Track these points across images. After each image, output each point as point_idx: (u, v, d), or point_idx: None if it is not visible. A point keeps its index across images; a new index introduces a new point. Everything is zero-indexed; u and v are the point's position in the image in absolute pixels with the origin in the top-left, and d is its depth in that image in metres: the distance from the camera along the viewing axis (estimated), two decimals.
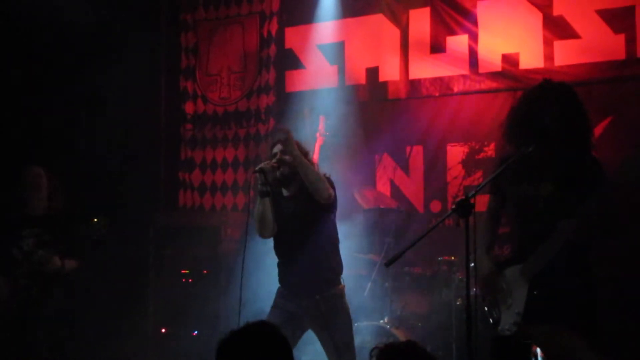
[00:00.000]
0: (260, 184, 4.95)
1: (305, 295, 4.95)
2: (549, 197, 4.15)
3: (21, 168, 6.14)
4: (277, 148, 5.08)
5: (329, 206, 5.01)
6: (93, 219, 5.86)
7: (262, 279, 5.89)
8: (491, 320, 4.32)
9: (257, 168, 4.98)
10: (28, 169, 6.11)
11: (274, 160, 5.02)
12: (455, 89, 7.22)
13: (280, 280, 5.15)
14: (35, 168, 6.10)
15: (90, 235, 5.87)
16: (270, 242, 5.21)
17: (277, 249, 5.16)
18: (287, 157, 4.92)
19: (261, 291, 5.82)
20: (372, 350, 2.91)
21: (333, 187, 5.05)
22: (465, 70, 7.16)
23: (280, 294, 5.13)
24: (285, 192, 5.13)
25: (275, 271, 5.21)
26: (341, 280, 5.10)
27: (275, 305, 5.10)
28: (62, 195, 6.16)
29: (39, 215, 6.03)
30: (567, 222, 3.99)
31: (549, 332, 4.07)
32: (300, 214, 4.99)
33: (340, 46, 7.83)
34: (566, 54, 6.68)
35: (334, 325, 4.94)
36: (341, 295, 5.06)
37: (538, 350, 4.25)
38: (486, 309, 4.35)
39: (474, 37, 7.11)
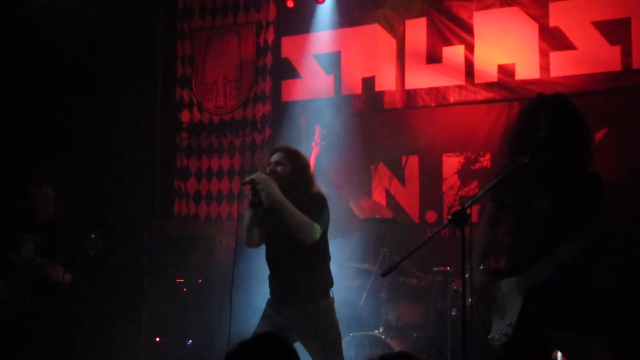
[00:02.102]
0: (251, 195, 4.91)
1: (293, 307, 4.90)
2: (549, 212, 4.15)
3: (30, 182, 6.18)
4: (275, 157, 5.06)
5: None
6: (91, 235, 5.88)
7: (256, 288, 5.90)
8: (480, 328, 4.32)
9: (247, 179, 4.92)
10: (37, 188, 6.11)
11: (267, 171, 5.01)
12: (451, 99, 7.23)
13: (271, 291, 5.12)
14: (44, 188, 6.11)
15: (87, 250, 5.89)
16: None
17: (267, 259, 5.13)
18: (264, 198, 4.84)
19: (253, 301, 5.83)
20: None
21: (326, 206, 5.00)
22: (461, 81, 7.17)
23: (269, 304, 5.10)
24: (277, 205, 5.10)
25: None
26: (330, 293, 5.07)
27: (264, 316, 5.07)
28: (67, 210, 6.20)
29: (41, 222, 6.05)
30: (568, 244, 3.99)
31: (568, 337, 4.07)
32: (283, 227, 4.90)
33: (337, 56, 7.84)
34: (562, 65, 6.70)
35: (324, 336, 4.90)
36: (330, 307, 5.01)
37: (559, 355, 4.25)
38: (476, 316, 4.35)
39: (470, 48, 7.12)
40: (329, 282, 5.05)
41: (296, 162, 5.05)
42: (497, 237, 4.63)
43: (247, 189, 4.98)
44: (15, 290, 5.89)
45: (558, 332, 4.10)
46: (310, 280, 4.91)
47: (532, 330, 4.12)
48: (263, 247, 5.14)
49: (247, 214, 5.02)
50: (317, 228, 4.85)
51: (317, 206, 4.95)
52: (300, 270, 4.89)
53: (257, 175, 4.91)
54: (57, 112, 7.71)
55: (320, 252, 4.98)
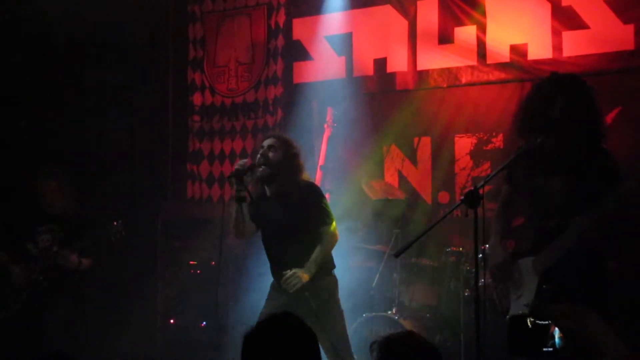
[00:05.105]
0: (236, 189, 4.87)
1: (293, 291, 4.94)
2: (562, 191, 4.15)
3: (39, 175, 6.28)
4: (267, 142, 5.06)
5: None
6: (114, 222, 5.96)
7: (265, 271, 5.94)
8: (500, 309, 4.33)
9: (231, 172, 4.87)
10: (45, 182, 6.20)
11: (258, 155, 4.99)
12: (463, 80, 7.20)
13: (271, 273, 5.16)
14: (52, 183, 6.19)
15: (110, 236, 5.98)
16: None
17: (264, 244, 5.18)
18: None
19: (261, 284, 5.87)
20: (372, 344, 2.90)
21: (324, 196, 5.10)
22: (473, 61, 7.13)
23: (273, 286, 5.15)
24: (267, 192, 5.11)
25: None
26: (331, 273, 5.11)
27: (269, 298, 5.14)
28: (76, 201, 6.35)
29: (55, 212, 6.15)
30: (582, 219, 3.99)
31: (564, 310, 4.08)
32: (280, 214, 4.97)
33: (348, 37, 7.81)
34: (575, 45, 6.65)
35: (324, 314, 4.94)
36: (330, 286, 5.08)
37: (556, 330, 4.26)
38: (496, 297, 4.36)
39: (482, 28, 7.08)
40: (327, 264, 5.08)
41: (288, 149, 5.06)
42: (512, 219, 4.65)
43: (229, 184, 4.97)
44: (32, 276, 5.98)
45: (561, 305, 4.11)
46: (304, 262, 4.94)
47: (547, 308, 4.13)
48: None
49: (232, 208, 4.98)
50: (333, 229, 5.02)
51: (318, 204, 5.04)
52: (295, 254, 4.92)
53: (239, 165, 4.87)
54: (69, 97, 7.75)
55: (315, 236, 5.00)
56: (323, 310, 4.93)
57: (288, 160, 5.02)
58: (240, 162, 4.93)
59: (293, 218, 4.94)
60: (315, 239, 5.01)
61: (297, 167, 5.09)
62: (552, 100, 4.21)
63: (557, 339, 4.31)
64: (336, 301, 5.07)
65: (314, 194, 5.06)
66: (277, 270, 5.04)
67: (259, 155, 4.99)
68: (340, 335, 5.03)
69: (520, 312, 4.17)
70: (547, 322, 4.15)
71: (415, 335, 2.93)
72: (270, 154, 4.97)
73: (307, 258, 4.94)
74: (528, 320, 4.09)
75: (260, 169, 4.95)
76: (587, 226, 4.00)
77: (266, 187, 5.09)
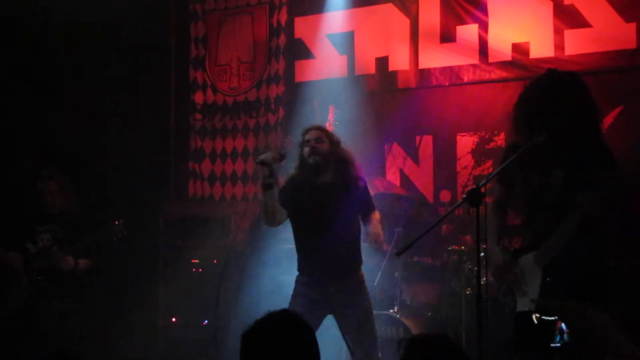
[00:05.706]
0: (263, 177, 4.86)
1: (326, 283, 4.94)
2: (559, 186, 4.15)
3: (37, 174, 6.28)
4: (313, 134, 5.09)
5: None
6: (115, 221, 5.97)
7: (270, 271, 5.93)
8: (507, 309, 4.33)
9: (257, 160, 4.88)
10: (46, 182, 6.20)
11: (307, 150, 5.01)
12: (465, 79, 7.20)
13: (301, 268, 5.11)
14: (52, 183, 6.19)
15: (111, 236, 5.99)
16: (280, 233, 5.21)
17: (300, 236, 5.14)
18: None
19: (266, 283, 5.85)
20: (400, 342, 2.89)
21: (369, 194, 5.19)
22: (475, 60, 7.13)
23: (300, 282, 5.11)
24: (317, 181, 5.10)
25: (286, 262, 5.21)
26: (361, 269, 5.14)
27: (296, 294, 5.07)
28: (76, 202, 6.32)
29: (55, 213, 6.15)
30: (579, 209, 3.99)
31: (568, 305, 4.08)
32: (330, 203, 4.98)
33: (350, 36, 7.81)
34: (577, 43, 6.65)
35: (356, 311, 4.98)
36: (362, 282, 5.12)
37: (563, 325, 4.26)
38: (501, 297, 4.36)
39: (484, 27, 7.08)
40: (360, 258, 5.15)
41: (332, 138, 5.15)
42: (509, 218, 4.64)
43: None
44: (32, 276, 5.99)
45: (567, 301, 4.10)
46: (342, 257, 4.98)
47: (551, 304, 4.13)
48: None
49: (262, 196, 4.98)
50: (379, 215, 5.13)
51: (368, 198, 5.19)
52: (334, 246, 4.93)
53: (265, 156, 4.88)
54: (67, 97, 7.74)
55: (354, 228, 5.09)
56: (353, 302, 5.00)
57: (337, 148, 5.12)
58: (266, 154, 4.95)
59: (339, 202, 4.99)
60: (358, 233, 5.10)
61: (347, 152, 5.19)
62: (551, 97, 4.20)
63: (564, 335, 4.31)
64: (366, 294, 5.15)
65: (365, 187, 5.16)
66: (310, 260, 5.03)
67: (307, 151, 5.03)
68: (370, 327, 5.13)
69: (527, 308, 4.16)
70: (553, 318, 4.14)
71: (445, 337, 2.91)
72: (320, 146, 5.03)
73: (344, 249, 4.97)
74: (534, 316, 4.09)
75: (314, 158, 5.00)
76: (585, 216, 3.99)
77: (315, 178, 5.09)
